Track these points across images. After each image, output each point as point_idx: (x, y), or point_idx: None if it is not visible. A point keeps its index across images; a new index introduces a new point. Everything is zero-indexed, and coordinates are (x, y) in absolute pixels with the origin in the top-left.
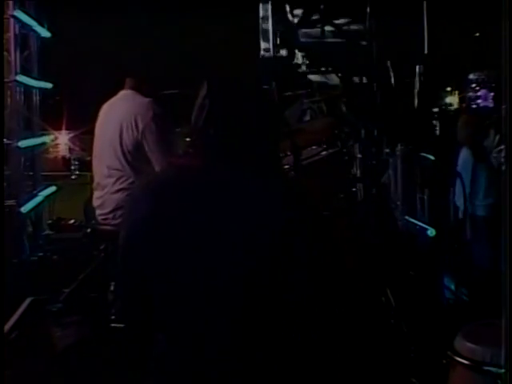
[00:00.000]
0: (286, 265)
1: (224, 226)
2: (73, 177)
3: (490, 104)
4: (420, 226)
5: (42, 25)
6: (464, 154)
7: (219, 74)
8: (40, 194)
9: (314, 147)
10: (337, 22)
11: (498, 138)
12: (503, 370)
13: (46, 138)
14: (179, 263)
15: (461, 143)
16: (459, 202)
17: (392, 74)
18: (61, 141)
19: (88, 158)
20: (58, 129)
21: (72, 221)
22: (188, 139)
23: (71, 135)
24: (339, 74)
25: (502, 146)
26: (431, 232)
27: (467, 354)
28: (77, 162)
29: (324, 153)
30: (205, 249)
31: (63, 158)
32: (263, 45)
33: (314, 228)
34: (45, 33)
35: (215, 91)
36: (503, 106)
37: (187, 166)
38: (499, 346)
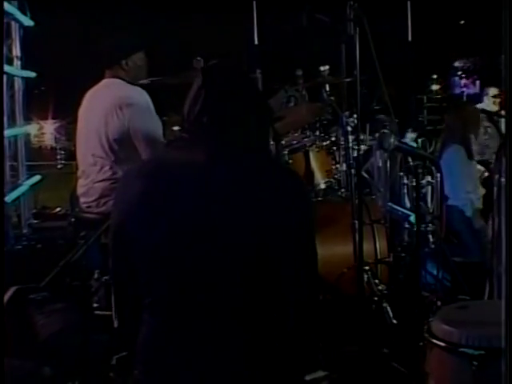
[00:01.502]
0: (281, 248)
1: (218, 211)
2: (58, 166)
3: (476, 91)
4: (402, 212)
5: (24, 13)
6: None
7: (213, 64)
8: (24, 183)
9: (295, 134)
10: (320, 8)
11: (483, 128)
12: (478, 352)
13: (30, 128)
14: (170, 247)
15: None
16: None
17: (376, 60)
18: (46, 130)
19: (73, 148)
20: (44, 118)
21: (58, 209)
22: (175, 128)
23: (57, 125)
24: (321, 61)
25: (487, 136)
26: (413, 218)
27: (443, 337)
28: (62, 152)
29: (305, 140)
30: (199, 234)
31: (49, 147)
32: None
33: (309, 209)
34: (28, 22)
35: (210, 81)
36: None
37: (180, 153)
38: (474, 328)
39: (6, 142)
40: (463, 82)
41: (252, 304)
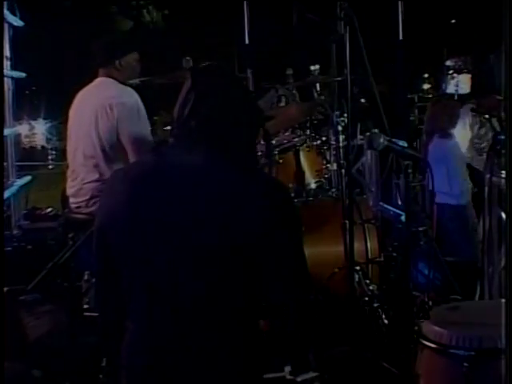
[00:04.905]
0: (265, 252)
1: (204, 215)
2: (50, 166)
3: (467, 90)
4: (394, 211)
5: (14, 14)
6: (439, 142)
7: (202, 66)
8: (14, 184)
9: (286, 134)
10: (310, 8)
11: (479, 124)
12: (469, 353)
13: (21, 128)
14: (152, 253)
15: (436, 130)
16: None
17: (366, 60)
18: (38, 130)
19: (65, 148)
20: (35, 118)
21: (48, 210)
22: (167, 128)
23: (48, 125)
24: (312, 60)
25: (483, 131)
26: (404, 218)
27: (434, 338)
28: (54, 152)
29: (296, 139)
30: (185, 238)
31: (40, 147)
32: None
33: (292, 214)
34: (17, 22)
35: (200, 85)
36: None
37: (167, 158)
38: (465, 329)
39: None
40: (454, 80)
41: (236, 309)
